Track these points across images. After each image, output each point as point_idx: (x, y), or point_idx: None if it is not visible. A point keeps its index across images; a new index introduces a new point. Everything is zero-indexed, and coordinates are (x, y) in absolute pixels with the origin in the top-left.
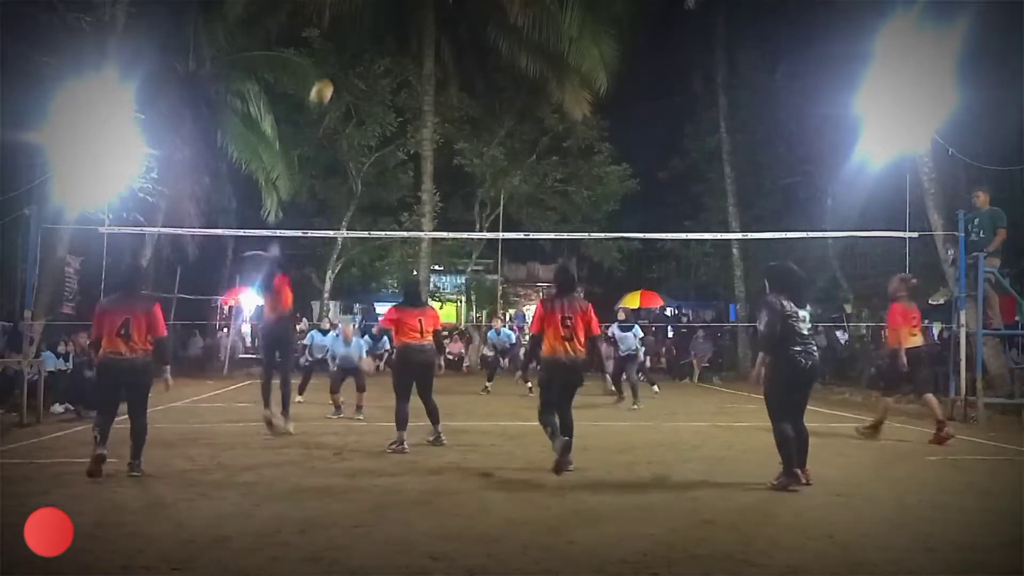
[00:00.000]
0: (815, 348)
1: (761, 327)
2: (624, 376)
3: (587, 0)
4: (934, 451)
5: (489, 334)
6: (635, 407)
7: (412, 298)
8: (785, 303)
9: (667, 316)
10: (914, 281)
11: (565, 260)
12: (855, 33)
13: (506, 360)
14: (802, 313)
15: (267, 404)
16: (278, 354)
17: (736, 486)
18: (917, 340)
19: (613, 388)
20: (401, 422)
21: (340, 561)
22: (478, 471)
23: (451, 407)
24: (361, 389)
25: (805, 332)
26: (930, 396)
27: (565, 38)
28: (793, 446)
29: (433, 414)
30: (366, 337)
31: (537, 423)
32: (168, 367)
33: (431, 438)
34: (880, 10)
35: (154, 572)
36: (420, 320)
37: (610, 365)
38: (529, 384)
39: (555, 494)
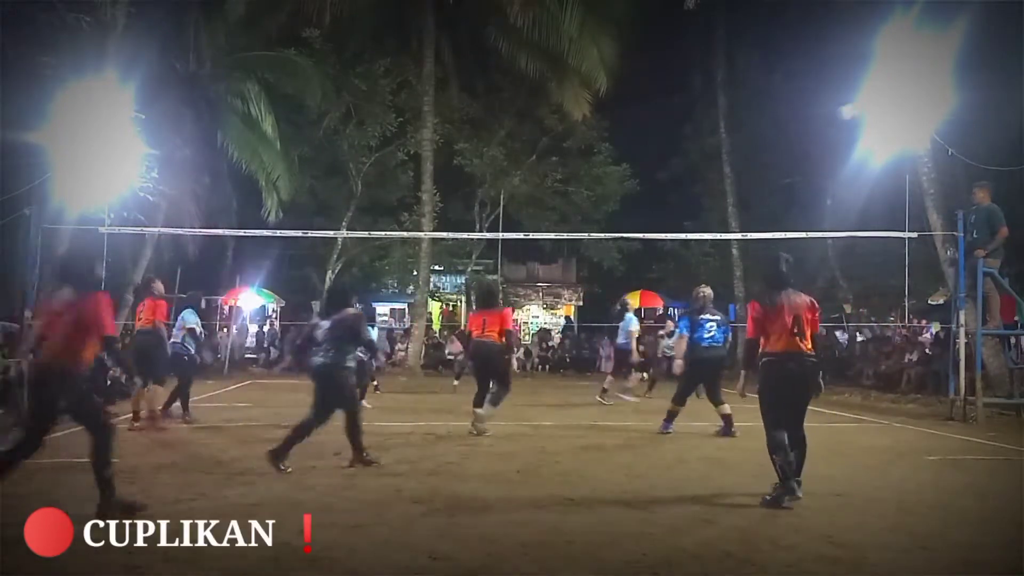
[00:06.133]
0: None
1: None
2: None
3: (587, 0)
4: (934, 451)
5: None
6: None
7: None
8: None
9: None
10: None
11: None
12: (855, 33)
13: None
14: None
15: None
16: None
17: (736, 486)
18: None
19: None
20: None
21: (340, 561)
22: (477, 471)
23: (451, 407)
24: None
25: None
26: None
27: (565, 38)
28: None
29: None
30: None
31: (536, 423)
32: None
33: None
34: (880, 10)
35: (154, 572)
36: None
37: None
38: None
39: (555, 494)
